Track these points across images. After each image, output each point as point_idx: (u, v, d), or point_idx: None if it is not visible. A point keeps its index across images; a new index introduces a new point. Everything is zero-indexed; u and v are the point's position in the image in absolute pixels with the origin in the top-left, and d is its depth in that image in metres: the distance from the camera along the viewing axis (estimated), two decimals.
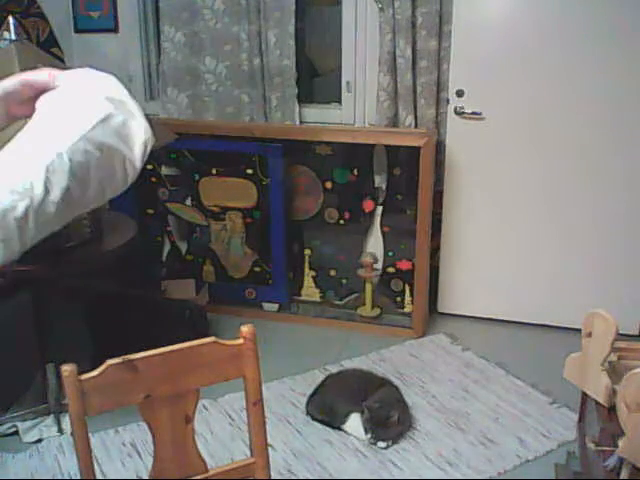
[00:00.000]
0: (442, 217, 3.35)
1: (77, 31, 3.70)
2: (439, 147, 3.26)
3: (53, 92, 0.87)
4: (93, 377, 1.26)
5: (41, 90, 0.89)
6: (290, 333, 3.33)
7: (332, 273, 3.54)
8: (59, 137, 0.80)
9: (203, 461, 1.40)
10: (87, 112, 0.82)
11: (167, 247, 3.68)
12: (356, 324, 3.41)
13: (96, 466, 2.13)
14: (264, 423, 1.44)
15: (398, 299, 3.44)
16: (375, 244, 3.47)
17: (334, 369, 2.92)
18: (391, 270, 3.42)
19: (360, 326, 3.40)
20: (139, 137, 0.85)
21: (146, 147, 0.86)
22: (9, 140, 0.81)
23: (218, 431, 2.56)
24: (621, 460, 1.57)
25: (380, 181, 3.38)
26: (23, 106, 0.93)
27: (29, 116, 0.89)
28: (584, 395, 1.95)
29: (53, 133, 0.80)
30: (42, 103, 0.87)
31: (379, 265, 3.44)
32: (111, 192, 0.86)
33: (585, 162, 3.09)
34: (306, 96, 3.54)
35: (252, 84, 3.46)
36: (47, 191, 0.76)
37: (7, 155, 0.79)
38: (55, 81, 0.88)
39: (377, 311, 3.47)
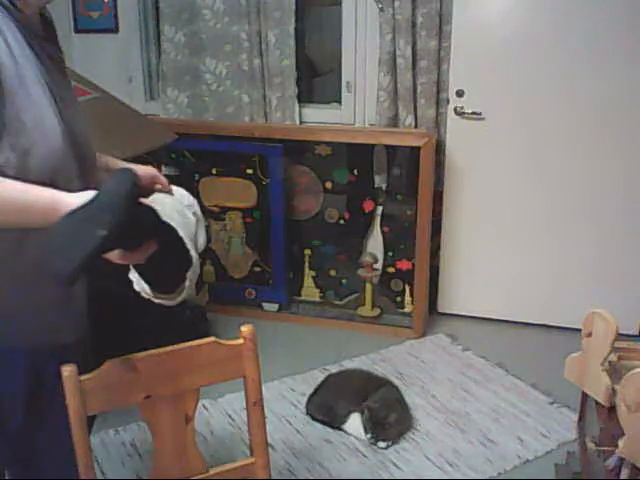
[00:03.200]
0: (442, 217, 3.35)
1: (77, 31, 3.69)
2: (439, 147, 3.26)
3: (170, 197, 1.37)
4: (93, 377, 1.26)
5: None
6: (290, 333, 3.33)
7: (332, 273, 3.54)
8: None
9: (203, 461, 1.40)
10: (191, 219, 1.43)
11: None
12: (356, 324, 3.41)
13: (96, 466, 2.14)
14: (264, 423, 1.44)
15: (398, 299, 3.44)
16: (375, 244, 3.47)
17: (334, 369, 2.92)
18: (391, 270, 3.42)
19: (360, 326, 3.40)
20: (201, 234, 1.53)
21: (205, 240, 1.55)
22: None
23: (218, 431, 2.56)
24: (621, 460, 1.57)
25: (380, 181, 3.38)
26: None
27: None
28: (584, 395, 1.95)
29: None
30: (165, 200, 1.33)
31: (379, 265, 3.44)
32: None
33: (585, 161, 3.09)
34: (306, 96, 3.54)
35: (252, 84, 3.46)
36: None
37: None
38: (169, 188, 1.35)
39: (377, 311, 3.47)
